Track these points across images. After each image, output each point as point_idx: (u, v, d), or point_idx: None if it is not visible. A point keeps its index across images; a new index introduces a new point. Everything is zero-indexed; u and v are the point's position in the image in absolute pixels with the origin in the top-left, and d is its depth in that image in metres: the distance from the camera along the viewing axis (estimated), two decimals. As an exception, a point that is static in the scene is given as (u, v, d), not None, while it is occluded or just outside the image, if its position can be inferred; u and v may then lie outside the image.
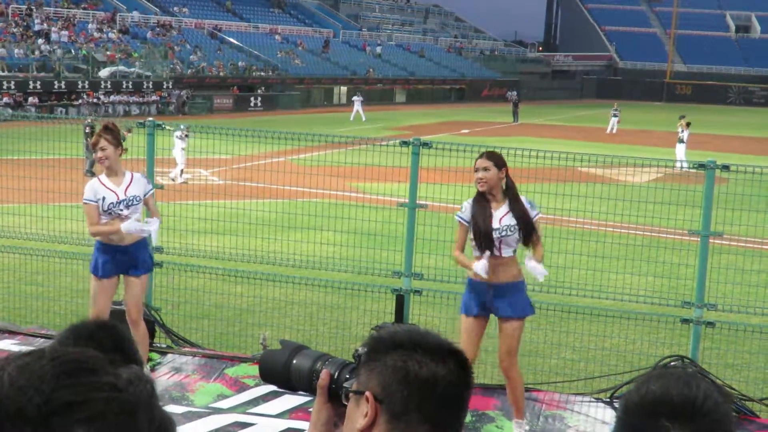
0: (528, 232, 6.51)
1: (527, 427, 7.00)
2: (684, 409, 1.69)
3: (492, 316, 6.70)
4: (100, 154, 7.19)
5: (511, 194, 6.59)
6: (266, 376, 2.14)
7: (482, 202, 6.56)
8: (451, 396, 1.77)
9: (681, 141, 28.31)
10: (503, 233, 6.49)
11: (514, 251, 6.62)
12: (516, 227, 6.49)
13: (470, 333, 6.68)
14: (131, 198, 7.24)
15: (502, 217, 6.52)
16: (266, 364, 2.13)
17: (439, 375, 1.75)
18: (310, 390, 2.04)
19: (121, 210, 7.19)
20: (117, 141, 7.30)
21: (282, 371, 2.09)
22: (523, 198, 6.61)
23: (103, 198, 7.20)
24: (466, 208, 6.65)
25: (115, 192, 7.22)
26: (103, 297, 7.43)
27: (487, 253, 6.47)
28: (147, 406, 1.10)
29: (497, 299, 6.59)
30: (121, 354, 1.62)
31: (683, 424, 1.69)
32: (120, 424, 1.05)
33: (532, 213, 6.57)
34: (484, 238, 6.49)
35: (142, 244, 7.43)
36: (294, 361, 2.09)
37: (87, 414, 1.05)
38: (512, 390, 6.79)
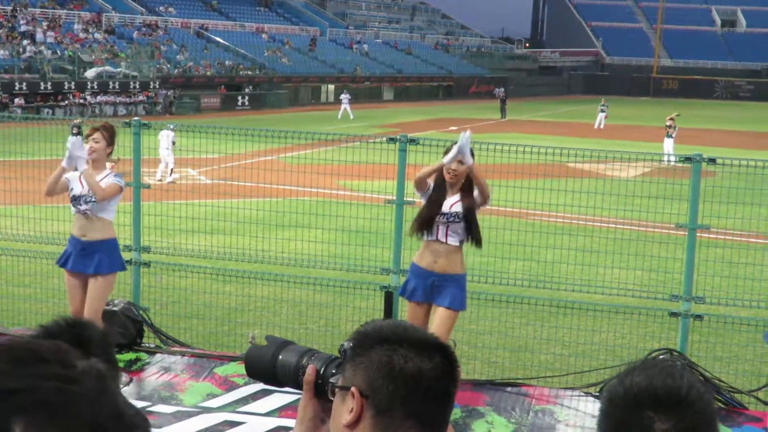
0: (470, 222, 6.62)
1: None
2: (668, 400, 1.70)
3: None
4: (91, 144, 7.27)
5: (467, 186, 6.70)
6: (252, 372, 2.13)
7: (440, 190, 6.71)
8: (437, 391, 1.76)
9: (669, 135, 28.38)
10: (451, 218, 6.64)
11: (461, 242, 6.72)
12: (462, 215, 6.62)
13: (416, 320, 6.76)
14: (92, 195, 7.29)
15: (453, 203, 6.68)
16: (252, 360, 2.12)
17: (424, 370, 1.74)
18: (297, 386, 2.03)
19: (81, 205, 7.30)
20: (111, 140, 7.49)
21: (268, 367, 2.08)
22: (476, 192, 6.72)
23: (72, 188, 7.41)
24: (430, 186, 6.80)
25: (82, 185, 7.34)
26: (73, 293, 7.49)
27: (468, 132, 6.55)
28: (94, 400, 1.06)
29: (437, 288, 6.72)
30: (93, 354, 1.60)
31: (667, 415, 1.69)
32: (62, 415, 1.02)
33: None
34: (424, 220, 6.66)
35: (107, 245, 7.42)
36: (280, 357, 2.08)
37: (29, 402, 1.03)
38: None
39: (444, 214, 6.64)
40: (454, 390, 1.82)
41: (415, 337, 1.80)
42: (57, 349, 1.08)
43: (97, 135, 7.36)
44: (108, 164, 7.56)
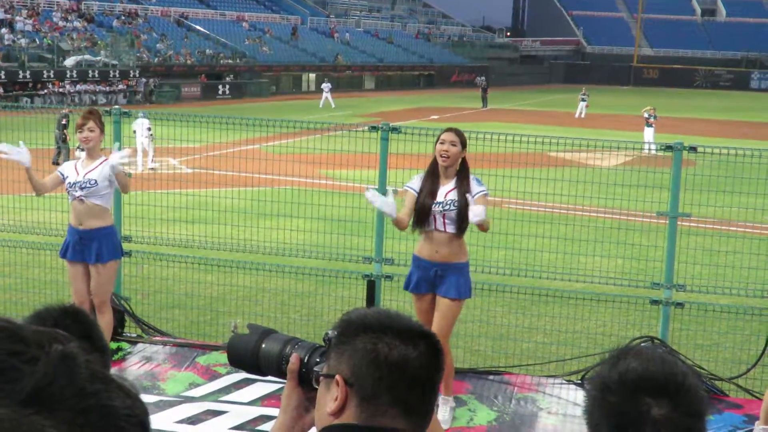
0: (463, 213, 6.50)
1: (453, 404, 7.03)
2: (666, 386, 1.70)
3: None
4: (86, 134, 7.25)
5: (462, 173, 6.65)
6: (235, 361, 2.11)
7: (432, 177, 6.66)
8: (421, 378, 1.76)
9: (649, 125, 28.51)
10: (446, 207, 6.56)
11: (460, 230, 6.63)
12: (457, 204, 6.54)
13: (422, 312, 6.74)
14: (86, 181, 7.31)
15: (448, 191, 6.60)
16: (234, 348, 2.10)
17: (409, 357, 1.74)
18: (280, 374, 2.02)
19: (76, 191, 7.28)
20: (102, 126, 7.47)
21: (251, 356, 2.06)
22: (471, 177, 6.66)
23: (66, 176, 7.42)
24: (415, 179, 6.76)
25: (77, 172, 7.35)
26: (75, 282, 7.52)
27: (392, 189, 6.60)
28: (45, 377, 1.01)
29: (440, 278, 6.66)
30: (87, 341, 1.57)
31: (664, 400, 1.70)
32: (16, 389, 0.98)
33: (479, 188, 6.61)
34: (420, 211, 6.59)
35: (104, 233, 7.41)
36: (263, 346, 2.06)
37: None
38: None
39: (439, 202, 6.55)
40: (439, 378, 1.82)
41: (399, 324, 1.79)
42: (7, 324, 1.04)
43: (91, 123, 7.30)
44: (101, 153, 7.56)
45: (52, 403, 0.97)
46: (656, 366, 1.73)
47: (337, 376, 1.77)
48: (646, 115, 28.96)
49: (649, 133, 28.09)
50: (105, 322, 7.45)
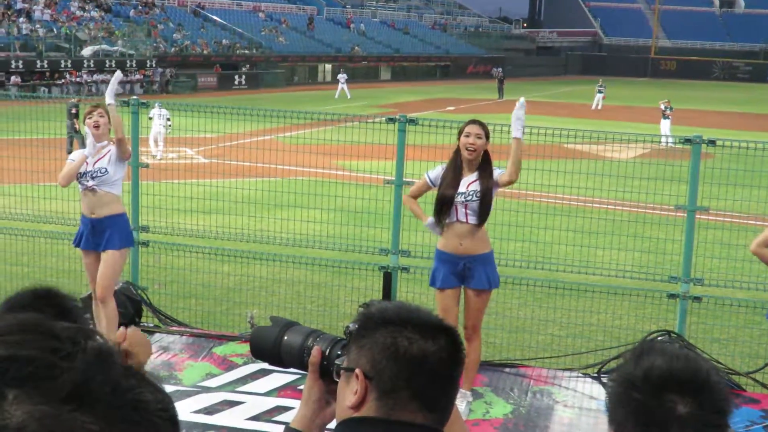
0: (486, 204, 6.54)
1: (470, 398, 7.01)
2: (691, 383, 1.70)
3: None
4: (96, 118, 7.34)
5: (485, 165, 6.64)
6: (257, 353, 2.13)
7: (455, 168, 6.63)
8: (440, 373, 1.77)
9: (665, 117, 28.36)
10: (468, 197, 6.54)
11: (481, 220, 6.62)
12: (480, 194, 6.53)
13: (449, 307, 6.70)
14: (97, 170, 7.39)
15: (470, 183, 6.59)
16: (257, 340, 2.11)
17: (428, 351, 1.75)
18: (302, 367, 2.03)
19: (87, 181, 7.34)
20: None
21: (273, 348, 2.07)
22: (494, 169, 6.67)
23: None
24: (437, 170, 6.76)
25: (87, 162, 7.40)
26: (90, 271, 7.59)
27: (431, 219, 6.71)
28: (85, 371, 1.01)
29: (469, 270, 6.64)
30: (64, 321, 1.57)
31: (689, 398, 1.69)
32: (48, 385, 0.98)
33: (497, 172, 6.63)
34: (442, 202, 6.58)
35: (116, 220, 7.45)
36: (285, 338, 2.07)
37: (17, 372, 0.98)
38: (468, 359, 6.78)
39: (461, 193, 6.53)
40: (459, 372, 1.83)
41: (420, 318, 1.80)
42: (40, 320, 1.04)
43: (100, 110, 7.41)
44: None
45: (91, 399, 0.98)
46: (681, 363, 1.72)
47: (357, 370, 1.77)
48: (662, 107, 28.82)
49: (665, 126, 27.94)
50: (108, 311, 7.46)
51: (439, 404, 1.78)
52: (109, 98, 7.44)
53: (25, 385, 0.96)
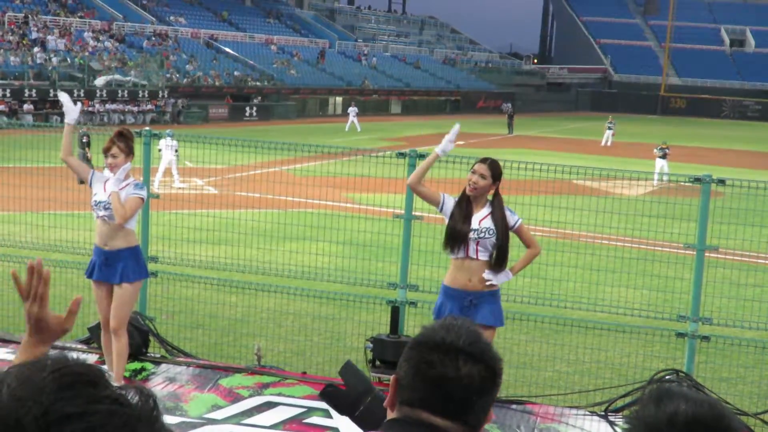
0: (505, 236, 6.56)
1: None
2: (715, 429, 1.70)
3: None
4: (110, 160, 7.23)
5: (495, 202, 6.64)
6: (334, 405, 2.51)
7: (463, 204, 6.63)
8: (456, 396, 1.91)
9: (663, 157, 28.20)
10: (481, 234, 6.52)
11: (491, 257, 6.61)
12: (494, 231, 6.52)
13: None
14: (110, 201, 7.24)
15: (482, 219, 6.57)
16: (337, 399, 2.54)
17: (447, 377, 1.90)
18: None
19: (100, 211, 7.28)
20: (129, 149, 7.36)
21: (351, 406, 2.45)
22: (504, 207, 6.67)
23: (95, 193, 7.38)
24: (452, 200, 6.72)
25: (104, 190, 7.30)
26: (101, 303, 7.50)
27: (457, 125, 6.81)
28: (148, 420, 1.08)
29: (475, 306, 6.62)
30: None
31: None
32: None
33: (513, 219, 6.65)
34: (455, 237, 6.55)
35: (128, 253, 7.39)
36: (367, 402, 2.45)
37: (85, 425, 1.04)
38: None
39: (474, 229, 6.52)
40: (488, 399, 1.97)
41: (458, 344, 1.93)
42: (101, 371, 1.09)
43: (114, 150, 7.22)
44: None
45: None
46: (705, 409, 1.73)
47: (393, 376, 1.99)
48: (659, 148, 28.66)
49: (661, 163, 27.78)
50: (120, 346, 7.42)
51: (457, 419, 1.92)
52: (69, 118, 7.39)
53: None
